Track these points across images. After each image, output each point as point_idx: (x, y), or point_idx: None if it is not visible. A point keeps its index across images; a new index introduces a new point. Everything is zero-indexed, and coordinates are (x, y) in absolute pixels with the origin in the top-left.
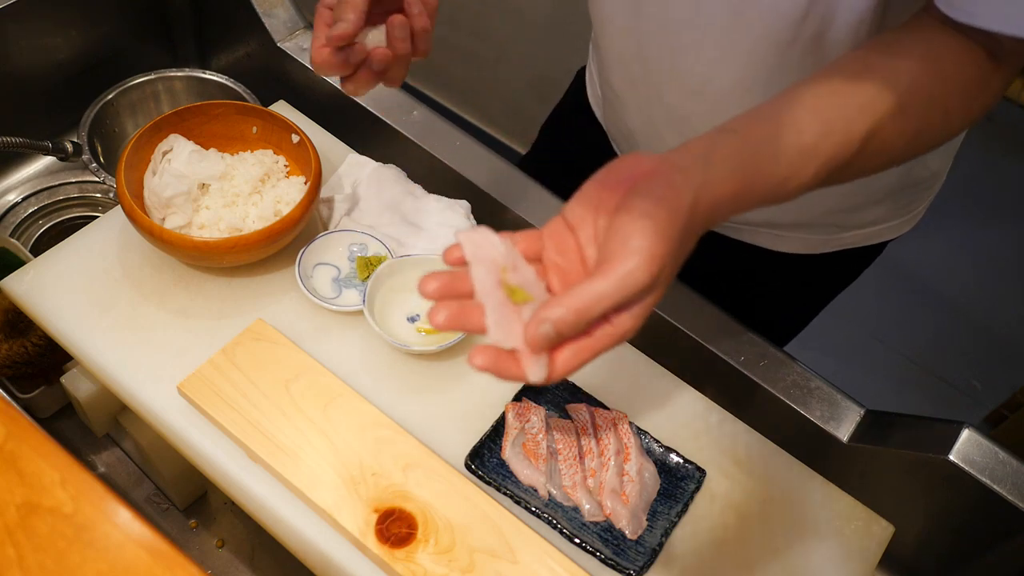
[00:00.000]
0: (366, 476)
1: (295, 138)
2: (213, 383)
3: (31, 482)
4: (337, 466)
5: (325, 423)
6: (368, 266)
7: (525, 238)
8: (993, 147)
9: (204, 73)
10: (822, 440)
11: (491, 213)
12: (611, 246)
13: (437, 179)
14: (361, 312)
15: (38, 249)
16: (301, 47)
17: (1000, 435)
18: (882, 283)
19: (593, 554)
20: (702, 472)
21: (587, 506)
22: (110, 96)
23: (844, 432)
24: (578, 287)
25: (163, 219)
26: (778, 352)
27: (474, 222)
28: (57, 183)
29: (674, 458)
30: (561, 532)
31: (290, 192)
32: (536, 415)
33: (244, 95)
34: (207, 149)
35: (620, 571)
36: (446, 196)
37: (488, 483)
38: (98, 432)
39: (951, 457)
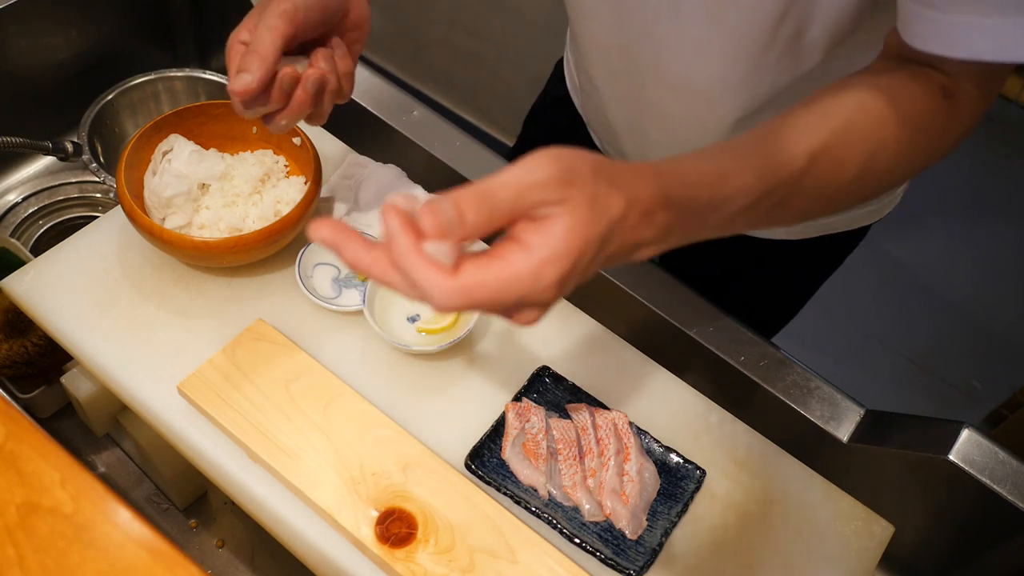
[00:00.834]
0: (366, 476)
1: (296, 140)
2: (213, 383)
3: (31, 482)
4: (337, 466)
5: (325, 423)
6: None
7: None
8: (993, 147)
9: (204, 73)
10: (822, 440)
11: None
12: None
13: (437, 179)
14: (361, 312)
15: (38, 249)
16: None
17: (1000, 435)
18: (882, 283)
19: (593, 554)
20: (702, 472)
21: (587, 506)
22: (110, 96)
23: (844, 432)
24: (484, 183)
25: (163, 219)
26: (778, 352)
27: None
28: (57, 183)
29: (674, 458)
30: (561, 532)
31: (290, 192)
32: (536, 415)
33: None
34: (207, 149)
35: (620, 571)
36: None
37: (488, 483)
38: (98, 432)
39: (951, 457)
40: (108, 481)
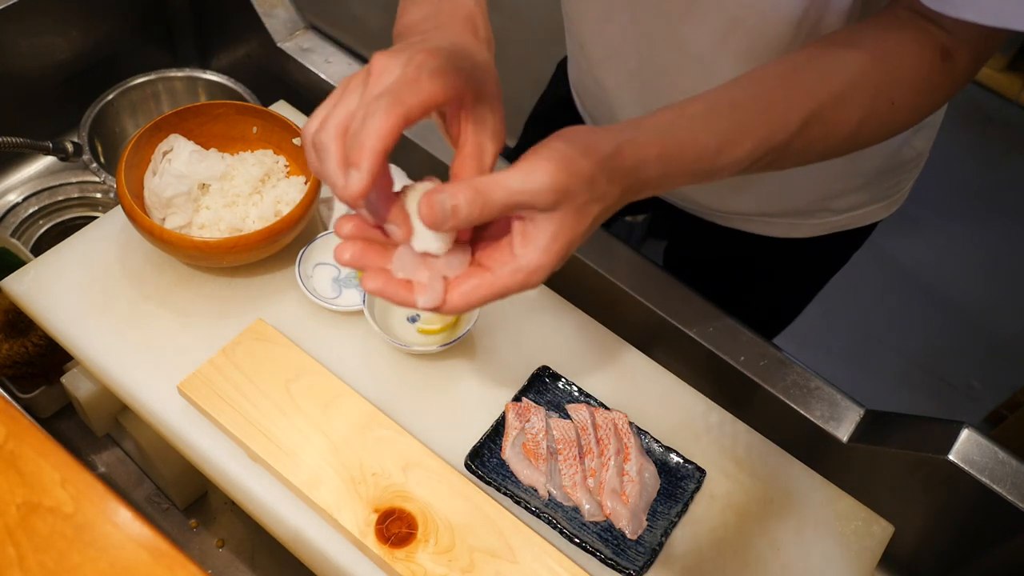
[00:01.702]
0: (366, 476)
1: (297, 141)
2: (213, 383)
3: (31, 482)
4: (337, 466)
5: (325, 423)
6: None
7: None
8: (993, 147)
9: (204, 73)
10: (822, 440)
11: None
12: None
13: (437, 177)
14: (361, 312)
15: (39, 249)
16: (301, 47)
17: (1000, 435)
18: (882, 283)
19: (593, 554)
20: (702, 472)
21: (587, 506)
22: (110, 96)
23: (844, 432)
24: (481, 176)
25: (163, 219)
26: (778, 352)
27: None
28: (57, 183)
29: (674, 458)
30: (561, 532)
31: (290, 192)
32: (536, 415)
33: (244, 95)
34: (207, 149)
35: (620, 571)
36: None
37: (488, 483)
38: (98, 432)
39: (951, 457)
40: (108, 481)
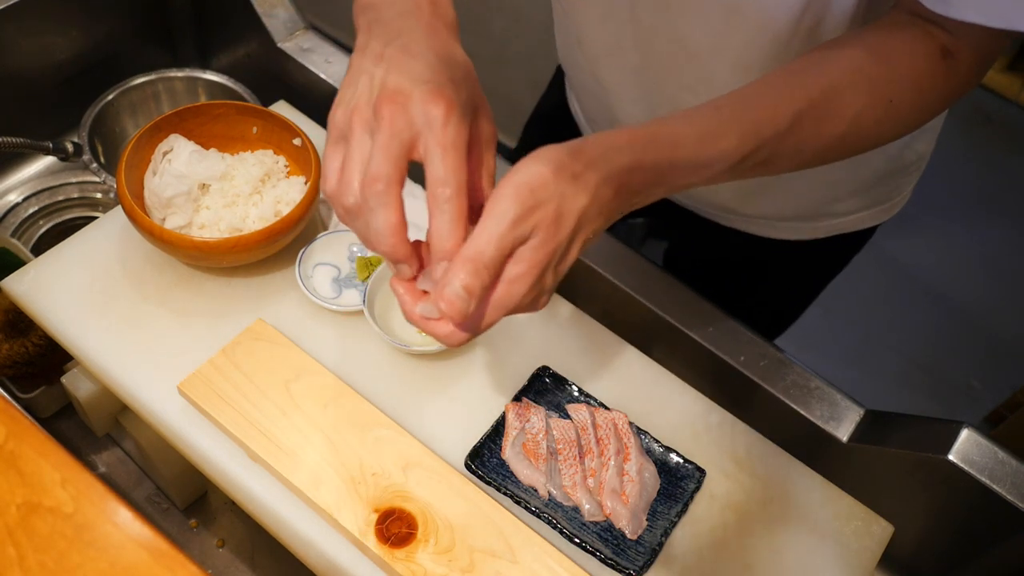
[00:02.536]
0: (366, 476)
1: (297, 141)
2: (213, 383)
3: (31, 482)
4: (337, 466)
5: (325, 423)
6: (368, 266)
7: None
8: (993, 147)
9: (204, 73)
10: (822, 440)
11: None
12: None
13: None
14: (361, 312)
15: (39, 249)
16: (301, 47)
17: (1000, 435)
18: (882, 283)
19: (593, 554)
20: (702, 472)
21: (587, 506)
22: (110, 96)
23: (844, 432)
24: (465, 245)
25: (163, 219)
26: (778, 352)
27: None
28: (58, 183)
29: (674, 458)
30: (561, 532)
31: (290, 192)
32: (536, 415)
33: (244, 95)
34: (207, 149)
35: (620, 571)
36: None
37: (488, 483)
38: (98, 432)
39: (950, 457)
40: (108, 481)
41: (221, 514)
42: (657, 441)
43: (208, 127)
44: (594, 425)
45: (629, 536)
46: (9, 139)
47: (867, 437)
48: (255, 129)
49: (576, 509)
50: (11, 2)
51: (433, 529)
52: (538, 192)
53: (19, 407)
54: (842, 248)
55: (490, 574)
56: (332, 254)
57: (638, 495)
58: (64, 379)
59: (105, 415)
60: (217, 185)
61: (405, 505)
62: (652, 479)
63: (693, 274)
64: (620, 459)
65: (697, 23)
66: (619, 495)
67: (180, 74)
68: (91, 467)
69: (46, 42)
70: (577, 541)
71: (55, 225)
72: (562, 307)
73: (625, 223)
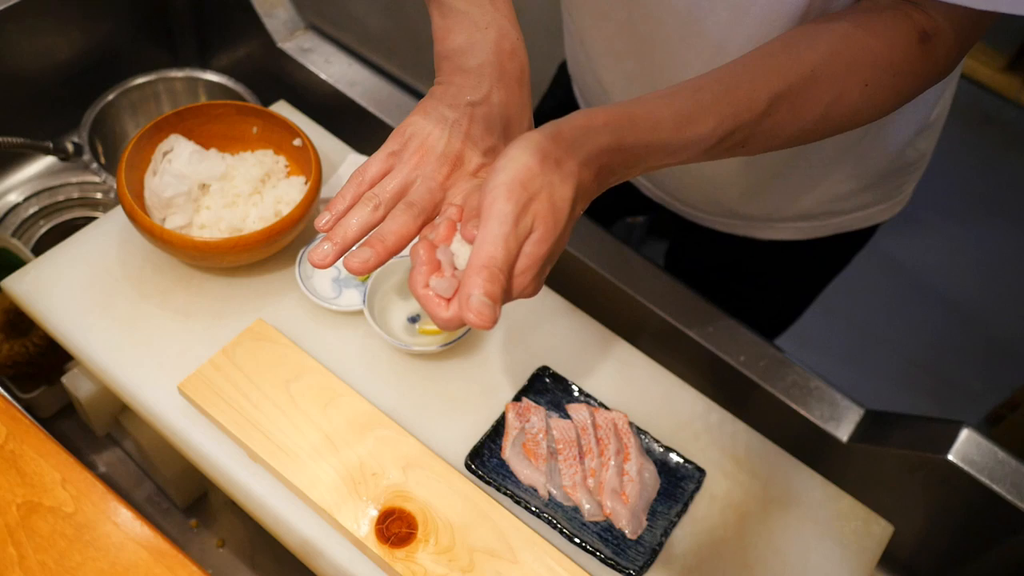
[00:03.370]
0: (366, 476)
1: (297, 142)
2: (213, 383)
3: (32, 482)
4: (337, 466)
5: (325, 423)
6: None
7: None
8: (993, 147)
9: (204, 73)
10: (822, 440)
11: None
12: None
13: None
14: (361, 312)
15: (39, 249)
16: (301, 47)
17: (1000, 435)
18: (882, 283)
19: (593, 554)
20: (702, 472)
21: (587, 506)
22: (111, 96)
23: (844, 432)
24: (474, 251)
25: (163, 219)
26: (778, 352)
27: None
28: (58, 183)
29: (674, 458)
30: (561, 532)
31: (290, 192)
32: (536, 415)
33: (244, 95)
34: (207, 149)
35: (620, 571)
36: None
37: (488, 483)
38: (99, 432)
39: (950, 457)
40: (108, 481)
41: (221, 514)
42: (657, 441)
43: (208, 127)
44: (594, 425)
45: (629, 536)
46: (9, 139)
47: (867, 437)
48: (255, 129)
49: (576, 509)
50: (11, 2)
51: (433, 529)
52: (529, 185)
53: (19, 407)
54: (843, 247)
55: (490, 574)
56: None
57: (638, 495)
58: (64, 379)
59: (105, 415)
60: (217, 185)
61: (405, 505)
62: (652, 479)
63: (693, 274)
64: (620, 459)
65: (698, 27)
66: (619, 495)
67: (180, 74)
68: (91, 467)
69: (46, 42)
70: (577, 541)
71: (55, 225)
72: (562, 307)
73: (625, 223)
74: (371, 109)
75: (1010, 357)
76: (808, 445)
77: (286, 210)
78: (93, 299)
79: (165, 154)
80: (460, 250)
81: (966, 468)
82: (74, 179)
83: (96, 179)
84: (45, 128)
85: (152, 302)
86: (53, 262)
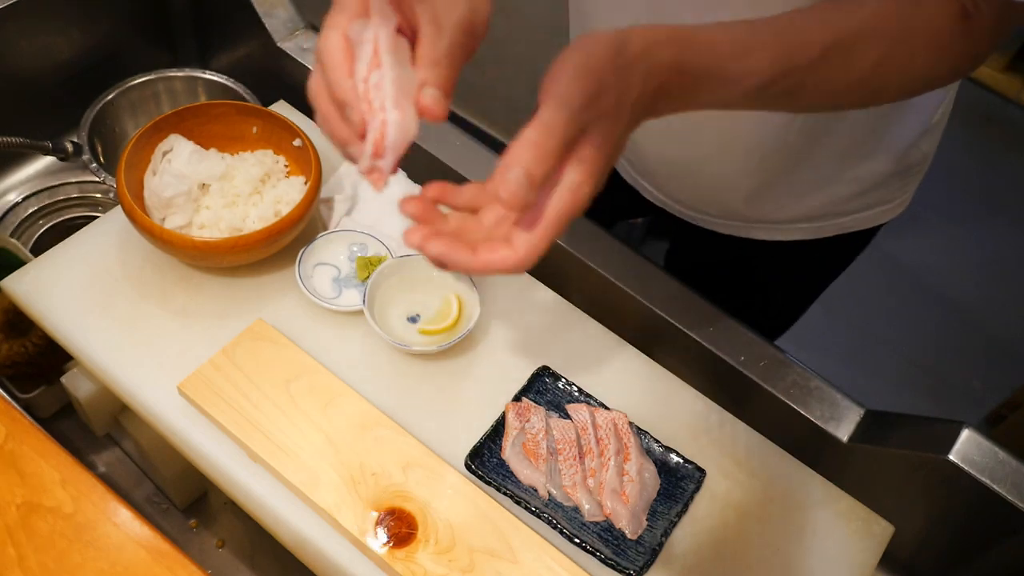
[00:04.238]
0: (366, 476)
1: (297, 142)
2: (213, 383)
3: (31, 482)
4: (337, 466)
5: (325, 423)
6: (368, 266)
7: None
8: (993, 146)
9: (204, 73)
10: (822, 440)
11: None
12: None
13: (437, 179)
14: (361, 312)
15: (38, 249)
16: (301, 47)
17: (1000, 435)
18: (882, 283)
19: (593, 554)
20: (702, 472)
21: (587, 506)
22: (110, 96)
23: (844, 432)
24: (527, 128)
25: (163, 219)
26: (778, 352)
27: None
28: (57, 183)
29: (674, 458)
30: (561, 532)
31: (290, 192)
32: (536, 415)
33: (244, 95)
34: (207, 149)
35: (620, 571)
36: None
37: (488, 483)
38: (98, 432)
39: (951, 457)
40: (108, 481)
41: (221, 514)
42: (657, 441)
43: (208, 127)
44: (594, 425)
45: (629, 536)
46: (9, 139)
47: (867, 437)
48: (255, 129)
49: (576, 509)
50: (11, 2)
51: (433, 529)
52: (602, 78)
53: (19, 407)
54: (845, 248)
55: (490, 574)
56: (332, 254)
57: (638, 495)
58: (64, 379)
59: (105, 415)
60: (217, 185)
61: (405, 505)
62: (652, 479)
63: (693, 274)
64: (620, 459)
65: (720, 13)
66: (619, 495)
67: (180, 74)
68: (91, 467)
69: (46, 42)
70: (577, 541)
71: (55, 225)
72: (562, 307)
73: (625, 223)
74: None
75: (1010, 357)
76: (808, 445)
77: (286, 210)
78: (93, 299)
79: (165, 154)
80: (388, 74)
81: (967, 468)
82: (73, 179)
83: (95, 179)
84: (44, 128)
85: (152, 302)
86: (53, 262)
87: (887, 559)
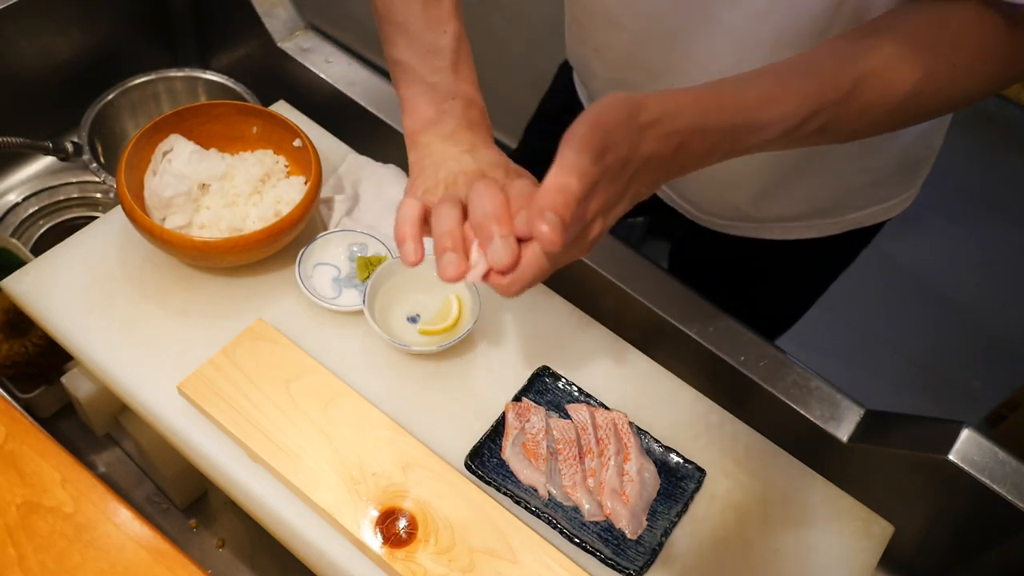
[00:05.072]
0: (366, 476)
1: (297, 142)
2: (213, 383)
3: (32, 482)
4: (337, 466)
5: (325, 423)
6: (368, 266)
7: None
8: (994, 146)
9: (204, 73)
10: (822, 440)
11: None
12: None
13: None
14: (361, 312)
15: (38, 249)
16: (301, 47)
17: (1000, 435)
18: (882, 283)
19: (593, 554)
20: (702, 472)
21: (587, 506)
22: (110, 96)
23: (844, 432)
24: (547, 178)
25: (163, 219)
26: (778, 352)
27: None
28: (57, 183)
29: (674, 458)
30: (561, 532)
31: (290, 192)
32: (536, 415)
33: (244, 95)
34: (207, 149)
35: (620, 571)
36: None
37: (488, 483)
38: (98, 432)
39: (951, 457)
40: (108, 481)
41: (221, 514)
42: (657, 441)
43: (208, 127)
44: (594, 425)
45: (629, 536)
46: (9, 139)
47: (867, 437)
48: (255, 129)
49: (576, 509)
50: (11, 2)
51: (433, 529)
52: (613, 134)
53: (19, 407)
54: (849, 244)
55: (490, 574)
56: (332, 254)
57: (638, 495)
58: (64, 379)
59: (105, 415)
60: (217, 185)
61: (405, 505)
62: (652, 479)
63: (696, 273)
64: (620, 459)
65: (713, 39)
66: (619, 495)
67: (180, 74)
68: (91, 467)
69: (46, 42)
70: (577, 541)
71: (55, 225)
72: (563, 307)
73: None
74: (371, 109)
75: (1010, 357)
76: (808, 445)
77: (286, 210)
78: (93, 299)
79: (165, 154)
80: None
81: (967, 468)
82: (74, 179)
83: (96, 179)
84: (44, 128)
85: (152, 302)
86: (53, 262)
87: (887, 559)
